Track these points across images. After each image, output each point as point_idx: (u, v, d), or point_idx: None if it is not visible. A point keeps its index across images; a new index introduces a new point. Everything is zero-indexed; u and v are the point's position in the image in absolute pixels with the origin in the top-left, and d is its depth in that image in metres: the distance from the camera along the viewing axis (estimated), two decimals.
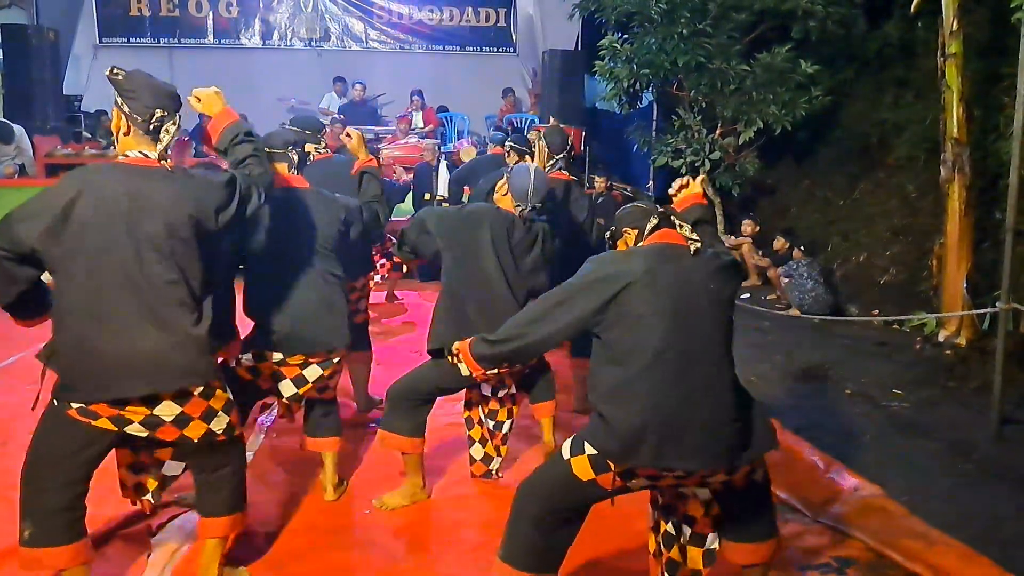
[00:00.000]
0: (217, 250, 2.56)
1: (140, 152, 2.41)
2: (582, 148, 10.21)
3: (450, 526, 3.32)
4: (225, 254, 2.95)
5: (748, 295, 7.71)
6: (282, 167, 3.26)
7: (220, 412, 2.50)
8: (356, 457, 3.90)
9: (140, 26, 11.93)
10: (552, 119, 4.27)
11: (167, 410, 2.38)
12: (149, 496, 2.73)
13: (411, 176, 8.81)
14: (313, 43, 12.34)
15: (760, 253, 7.91)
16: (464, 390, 3.53)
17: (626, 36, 8.31)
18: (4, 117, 9.35)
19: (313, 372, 3.23)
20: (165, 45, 11.96)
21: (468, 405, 3.64)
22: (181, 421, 2.42)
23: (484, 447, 3.62)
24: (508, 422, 3.63)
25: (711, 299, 2.32)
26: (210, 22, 12.12)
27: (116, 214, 2.28)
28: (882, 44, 8.03)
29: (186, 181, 2.42)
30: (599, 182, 9.27)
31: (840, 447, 3.97)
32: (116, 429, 2.36)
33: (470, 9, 12.41)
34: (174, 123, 2.45)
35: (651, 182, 9.96)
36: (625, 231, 2.53)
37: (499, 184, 3.48)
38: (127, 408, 2.33)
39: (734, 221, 8.72)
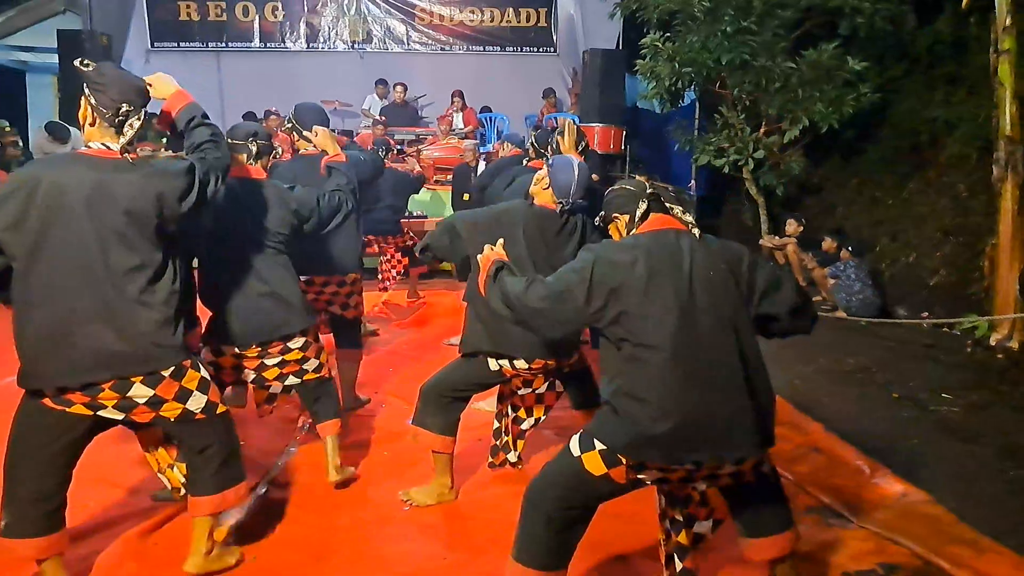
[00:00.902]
0: (182, 235, 2.61)
1: (103, 144, 2.47)
2: (622, 147, 10.17)
3: (476, 526, 3.31)
4: (194, 238, 3.06)
5: None
6: (240, 157, 3.29)
7: (195, 392, 2.56)
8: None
9: (189, 31, 12.18)
10: (561, 119, 4.20)
11: (139, 392, 2.45)
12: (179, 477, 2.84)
13: (423, 169, 8.89)
14: (356, 45, 12.46)
15: (809, 254, 7.79)
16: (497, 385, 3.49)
17: (668, 34, 8.25)
18: (59, 119, 9.60)
19: (272, 360, 3.29)
20: (213, 49, 12.18)
21: (501, 398, 3.60)
22: (154, 403, 2.49)
23: (505, 437, 3.58)
24: (529, 420, 3.58)
25: (719, 288, 2.26)
26: (256, 26, 12.32)
27: (76, 204, 2.34)
28: (932, 40, 7.86)
29: (146, 171, 2.46)
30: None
31: (886, 451, 3.89)
32: (91, 413, 2.44)
33: (511, 10, 12.43)
34: (139, 118, 2.50)
35: (693, 181, 9.86)
36: (615, 217, 2.49)
37: (539, 176, 3.37)
38: (100, 394, 2.40)
39: (778, 221, 8.62)
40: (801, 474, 3.67)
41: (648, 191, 2.40)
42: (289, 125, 4.15)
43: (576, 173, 3.25)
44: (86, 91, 2.48)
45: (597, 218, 2.59)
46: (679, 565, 2.39)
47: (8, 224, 2.32)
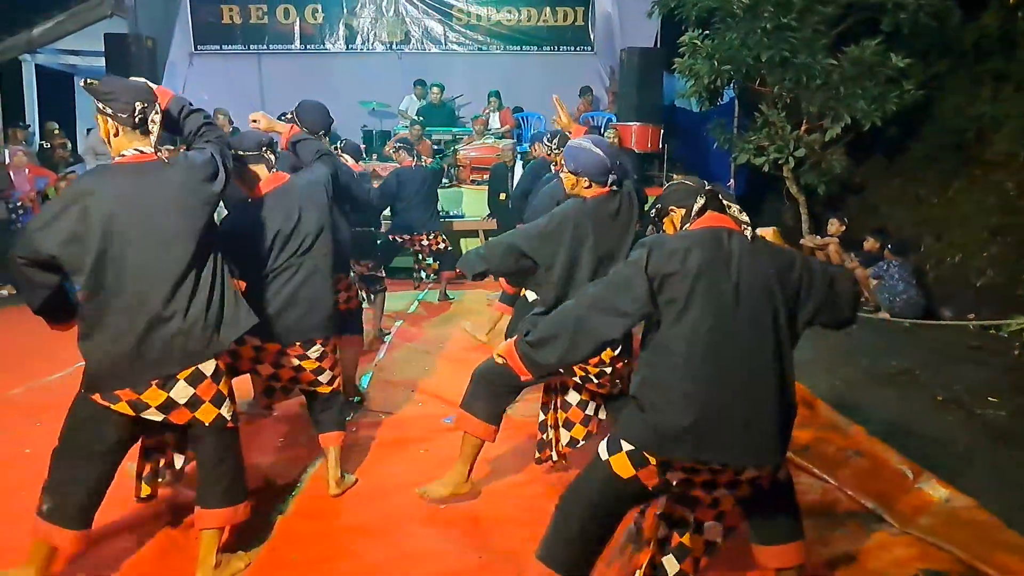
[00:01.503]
0: (214, 226, 2.67)
1: (135, 150, 2.54)
2: (660, 146, 10.10)
3: (511, 527, 3.31)
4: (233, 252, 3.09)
5: None
6: (260, 169, 3.30)
7: (227, 399, 2.69)
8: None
9: (231, 34, 12.36)
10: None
11: (182, 392, 2.56)
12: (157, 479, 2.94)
13: (460, 169, 8.91)
14: (394, 46, 12.55)
15: (851, 254, 7.67)
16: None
17: (706, 32, 8.17)
18: None
19: (290, 363, 3.33)
20: (254, 51, 12.35)
21: (548, 390, 3.55)
22: (193, 403, 2.60)
23: (553, 432, 3.52)
24: (582, 429, 3.47)
25: (764, 291, 2.24)
26: (296, 28, 12.46)
27: (130, 212, 2.43)
28: (979, 35, 7.68)
29: (183, 166, 2.55)
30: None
31: (930, 455, 3.82)
32: (133, 413, 2.53)
33: (548, 9, 12.42)
34: (156, 112, 2.56)
35: (732, 180, 9.76)
36: (671, 209, 2.49)
37: (566, 178, 3.28)
38: (145, 392, 2.51)
39: (820, 220, 8.49)
40: (842, 478, 3.61)
41: (707, 187, 2.39)
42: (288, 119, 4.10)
43: (594, 147, 3.16)
44: (99, 107, 2.55)
45: (652, 210, 2.59)
46: (676, 566, 2.39)
47: (64, 240, 2.40)
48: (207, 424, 2.65)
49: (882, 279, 6.82)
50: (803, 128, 8.11)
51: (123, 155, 2.54)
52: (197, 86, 11.94)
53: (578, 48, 12.50)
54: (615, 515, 2.35)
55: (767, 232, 2.53)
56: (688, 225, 2.38)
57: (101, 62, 10.45)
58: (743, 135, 8.59)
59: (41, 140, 10.75)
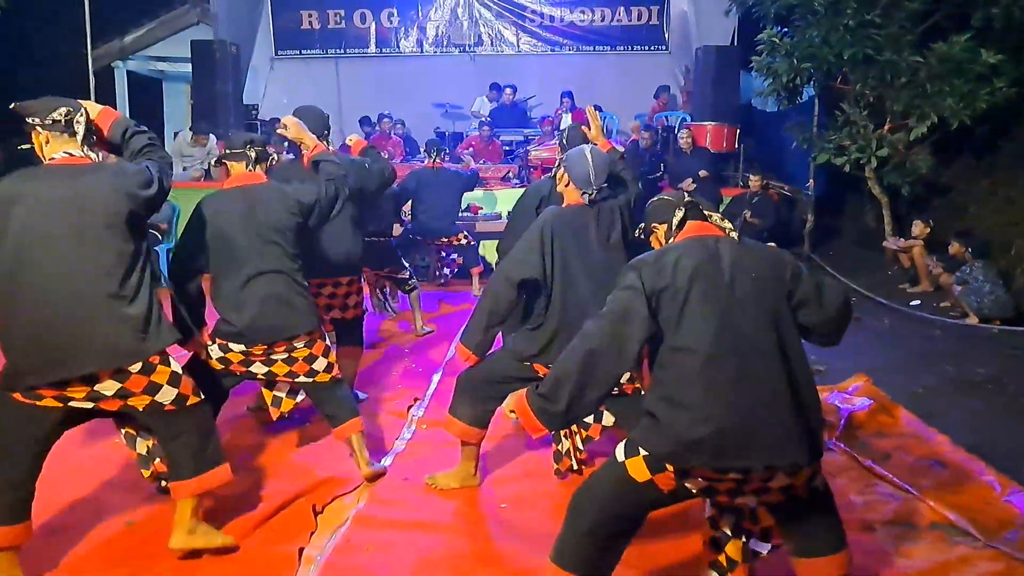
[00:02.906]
0: (143, 232, 2.71)
1: (65, 152, 2.62)
2: (735, 146, 9.94)
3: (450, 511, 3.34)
4: (199, 251, 3.22)
5: (919, 302, 7.26)
6: (239, 166, 3.39)
7: (165, 385, 2.70)
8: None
9: (310, 38, 12.67)
10: (590, 107, 4.02)
11: (108, 387, 2.60)
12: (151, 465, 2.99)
13: (533, 170, 8.96)
14: (467, 48, 12.66)
15: (934, 258, 7.40)
16: None
17: (786, 29, 8.01)
18: (191, 126, 10.19)
19: (279, 355, 3.37)
20: (332, 55, 12.63)
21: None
22: (122, 395, 2.64)
23: (565, 441, 3.47)
24: (596, 426, 3.44)
25: (760, 290, 2.20)
26: (372, 32, 12.69)
27: (53, 212, 2.50)
28: None
29: (111, 171, 2.61)
30: (754, 181, 9.00)
31: (1018, 467, 3.65)
32: (61, 405, 2.60)
33: (622, 9, 12.34)
34: (81, 114, 2.65)
35: (811, 180, 9.53)
36: (654, 227, 2.48)
37: (558, 175, 3.38)
38: (68, 388, 2.56)
39: (903, 222, 8.23)
40: (924, 488, 3.49)
41: (685, 200, 2.40)
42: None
43: (590, 160, 3.24)
44: (28, 122, 2.63)
45: (638, 230, 2.60)
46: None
47: None
48: (141, 410, 2.71)
49: (967, 283, 6.56)
50: (887, 127, 7.88)
51: (53, 158, 2.63)
52: (277, 90, 12.30)
53: (652, 48, 12.38)
54: (629, 518, 2.30)
55: None
56: (672, 239, 2.39)
57: (187, 67, 10.84)
58: (823, 134, 8.40)
59: None
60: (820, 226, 9.75)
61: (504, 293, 3.26)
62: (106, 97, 11.35)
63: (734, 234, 2.30)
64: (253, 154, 3.41)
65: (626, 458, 2.24)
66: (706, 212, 2.39)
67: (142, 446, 3.00)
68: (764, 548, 2.38)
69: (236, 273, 3.27)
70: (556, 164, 3.53)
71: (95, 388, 2.60)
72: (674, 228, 2.39)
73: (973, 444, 3.92)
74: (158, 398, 2.71)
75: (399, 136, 10.68)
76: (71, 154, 2.63)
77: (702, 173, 8.92)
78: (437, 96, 11.53)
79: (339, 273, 4.33)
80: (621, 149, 3.92)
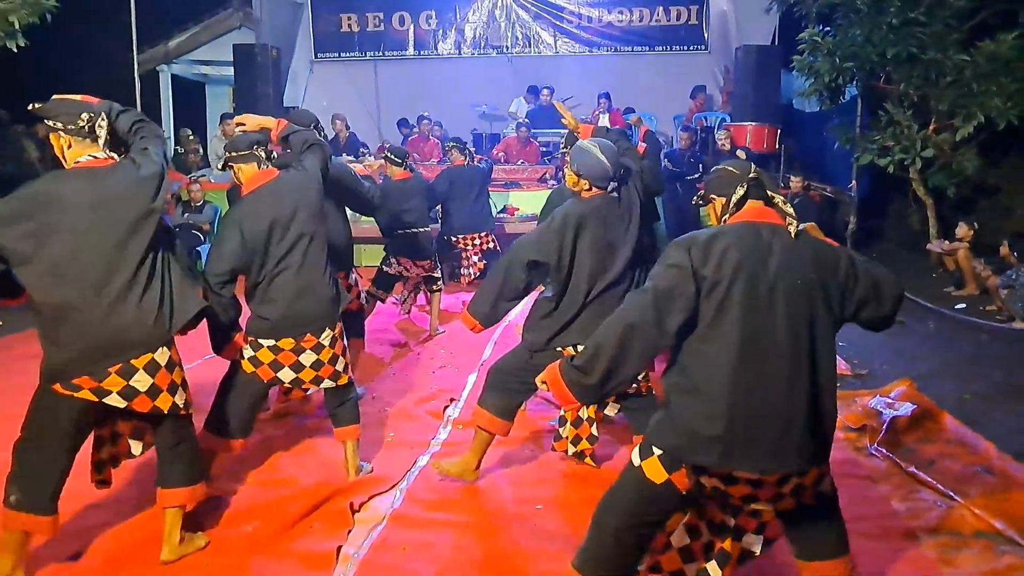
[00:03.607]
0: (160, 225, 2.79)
1: (89, 155, 2.70)
2: (776, 146, 9.82)
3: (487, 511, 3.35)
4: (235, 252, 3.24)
5: (964, 305, 7.11)
6: (251, 167, 3.40)
7: (180, 387, 2.84)
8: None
9: (349, 41, 12.80)
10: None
11: (141, 381, 2.71)
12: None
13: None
14: (504, 50, 12.69)
15: (981, 261, 7.24)
16: None
17: (828, 28, 7.91)
18: (223, 114, 10.36)
19: (308, 357, 3.40)
20: (371, 58, 12.74)
21: None
22: (153, 392, 2.74)
23: (576, 428, 3.55)
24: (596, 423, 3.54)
25: (801, 295, 2.13)
26: (411, 34, 12.77)
27: (85, 212, 2.59)
28: None
29: (132, 169, 2.71)
30: (795, 182, 8.88)
31: None
32: (97, 399, 2.68)
33: (660, 8, 12.26)
34: (103, 118, 2.71)
35: (853, 182, 9.39)
36: (712, 198, 2.38)
37: (568, 177, 3.41)
38: (106, 380, 2.65)
39: (948, 224, 8.07)
40: (970, 496, 3.42)
41: (750, 175, 2.27)
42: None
43: (601, 154, 3.25)
44: (49, 124, 2.70)
45: (696, 197, 2.54)
46: (718, 573, 2.32)
47: (21, 235, 2.54)
48: (165, 412, 2.80)
49: (1013, 288, 6.40)
50: (931, 127, 7.74)
51: (78, 162, 2.71)
52: (317, 92, 12.44)
53: (691, 47, 12.28)
54: (651, 523, 2.28)
55: (809, 226, 2.35)
56: (727, 217, 2.29)
57: (230, 71, 11.01)
58: (866, 135, 8.28)
59: (176, 145, 11.44)
60: (863, 228, 9.60)
61: (514, 271, 3.33)
62: (151, 100, 11.58)
63: (793, 226, 2.20)
64: (262, 153, 3.46)
65: (642, 460, 2.23)
66: (770, 193, 2.28)
67: (136, 447, 3.07)
68: (756, 543, 2.35)
69: (269, 269, 3.32)
70: (565, 168, 3.58)
71: (130, 383, 2.70)
72: (732, 206, 2.28)
73: (1020, 451, 3.83)
74: (177, 399, 2.83)
75: (436, 138, 10.74)
76: (95, 157, 2.73)
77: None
78: (474, 98, 11.58)
79: (343, 267, 4.40)
80: (595, 127, 3.96)
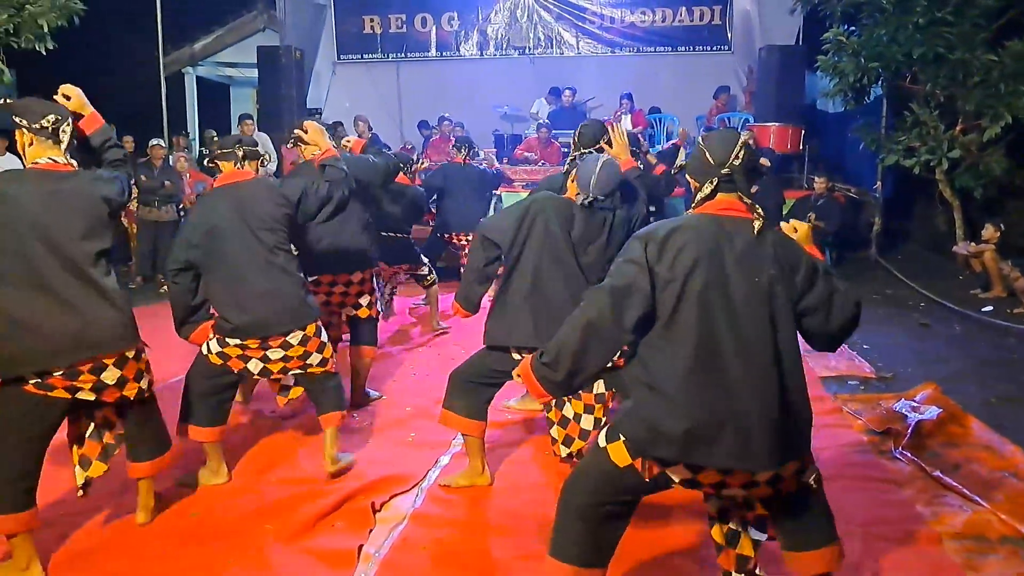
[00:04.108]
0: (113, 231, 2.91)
1: (49, 159, 2.78)
2: (800, 147, 9.75)
3: (507, 512, 3.35)
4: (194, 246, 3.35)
5: (991, 308, 7.01)
6: (229, 164, 3.49)
7: (145, 372, 2.98)
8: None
9: (372, 43, 12.87)
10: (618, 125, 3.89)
11: (110, 375, 2.83)
12: (87, 472, 3.07)
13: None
14: (526, 51, 12.69)
15: (1009, 263, 7.14)
16: None
17: (852, 28, 7.84)
18: (258, 129, 10.45)
19: (275, 354, 3.45)
20: (393, 59, 12.80)
21: None
22: (121, 383, 2.88)
23: (564, 429, 3.53)
24: (589, 417, 3.47)
25: (761, 292, 2.11)
26: (433, 36, 12.82)
27: (35, 210, 2.67)
28: None
29: (89, 177, 2.83)
30: (819, 183, 8.81)
31: None
32: (69, 397, 2.77)
33: (684, 9, 12.22)
34: (68, 124, 2.81)
35: (879, 182, 9.30)
36: (689, 178, 2.34)
37: (572, 172, 3.49)
38: (79, 377, 2.75)
39: (975, 226, 7.97)
40: (996, 501, 3.37)
41: (723, 171, 2.21)
42: (294, 138, 4.11)
43: (598, 170, 3.30)
44: (15, 121, 2.78)
45: (675, 168, 2.54)
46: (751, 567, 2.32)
47: None
48: (132, 398, 2.96)
49: None
50: (958, 128, 7.65)
51: (37, 163, 2.78)
52: (340, 93, 12.52)
53: (714, 48, 12.22)
54: (617, 503, 2.28)
55: (800, 227, 2.30)
56: (694, 207, 2.27)
57: (254, 73, 11.12)
58: (891, 135, 8.20)
59: (200, 147, 11.57)
60: (888, 229, 9.51)
61: (476, 250, 3.49)
62: (176, 101, 11.72)
63: (758, 222, 2.17)
64: (240, 152, 3.52)
65: (607, 443, 2.24)
66: (740, 191, 2.22)
67: (108, 437, 3.13)
68: (762, 536, 2.36)
69: (230, 270, 3.37)
70: (571, 160, 3.68)
71: (100, 378, 2.82)
72: (702, 197, 2.24)
73: None
74: (142, 384, 2.97)
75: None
76: (55, 160, 2.80)
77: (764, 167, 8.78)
78: (496, 99, 11.59)
79: (349, 270, 4.39)
80: (640, 168, 3.97)
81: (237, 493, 3.51)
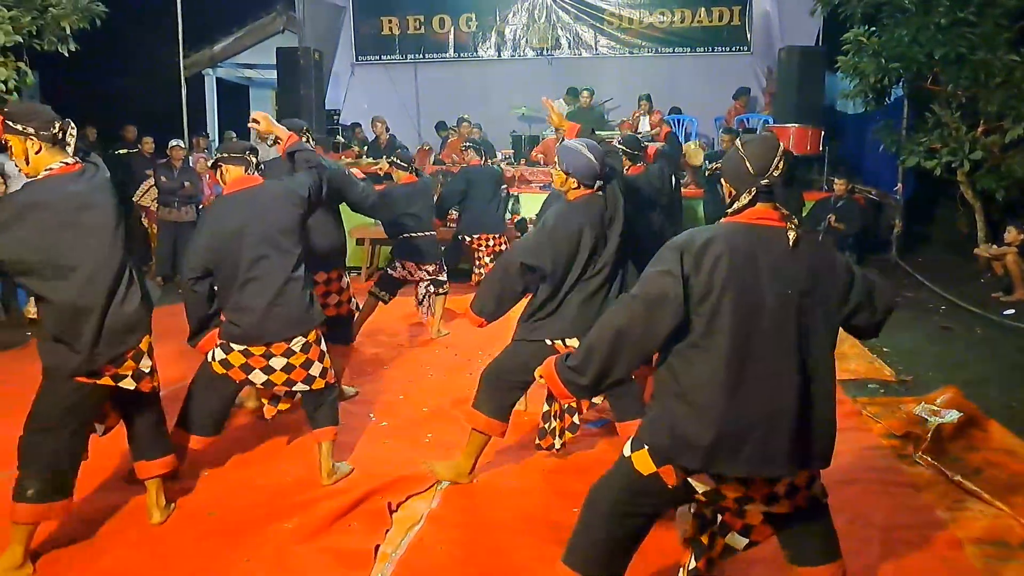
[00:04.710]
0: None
1: (62, 162, 2.79)
2: (819, 148, 9.68)
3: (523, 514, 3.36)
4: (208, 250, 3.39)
5: (1013, 311, 6.94)
6: (238, 170, 3.49)
7: (155, 371, 3.09)
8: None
9: (390, 44, 12.90)
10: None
11: (145, 364, 3.00)
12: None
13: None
14: (544, 52, 12.69)
15: None
16: None
17: (873, 29, 7.77)
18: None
19: (278, 363, 3.45)
20: (411, 61, 12.82)
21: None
22: (152, 371, 3.05)
23: (561, 422, 3.64)
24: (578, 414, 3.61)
25: (798, 301, 2.10)
26: (451, 37, 12.84)
27: (69, 215, 2.73)
28: None
29: (103, 175, 2.92)
30: (839, 184, 8.74)
31: None
32: (112, 384, 2.91)
33: (703, 9, 12.16)
34: (73, 128, 2.84)
35: (899, 184, 9.21)
36: (724, 181, 2.32)
37: (557, 178, 3.43)
38: (124, 364, 2.90)
39: (997, 228, 7.88)
40: (1017, 505, 3.34)
41: (763, 181, 2.17)
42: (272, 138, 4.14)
43: (588, 152, 3.28)
44: (19, 128, 2.75)
45: (708, 169, 2.53)
46: (691, 563, 2.35)
47: (16, 243, 2.67)
48: (147, 392, 3.08)
49: None
50: (980, 129, 7.57)
51: (51, 168, 2.77)
52: (358, 94, 12.57)
53: (734, 48, 12.15)
54: (640, 515, 2.28)
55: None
56: (729, 215, 2.24)
57: (273, 74, 11.16)
58: (912, 137, 8.12)
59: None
60: (909, 232, 9.42)
61: (510, 275, 3.38)
62: (197, 102, 11.81)
63: (792, 232, 2.14)
64: (253, 159, 3.54)
65: (632, 452, 2.25)
66: (776, 202, 2.19)
67: (99, 429, 3.19)
68: (740, 543, 2.37)
69: (242, 275, 3.37)
70: (552, 169, 3.61)
71: (139, 366, 2.97)
72: (738, 206, 2.21)
73: None
74: (155, 381, 3.10)
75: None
76: (67, 163, 2.82)
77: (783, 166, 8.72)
78: (514, 100, 11.59)
79: (321, 267, 4.40)
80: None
81: (254, 493, 3.53)
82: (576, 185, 3.37)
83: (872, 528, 3.17)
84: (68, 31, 7.36)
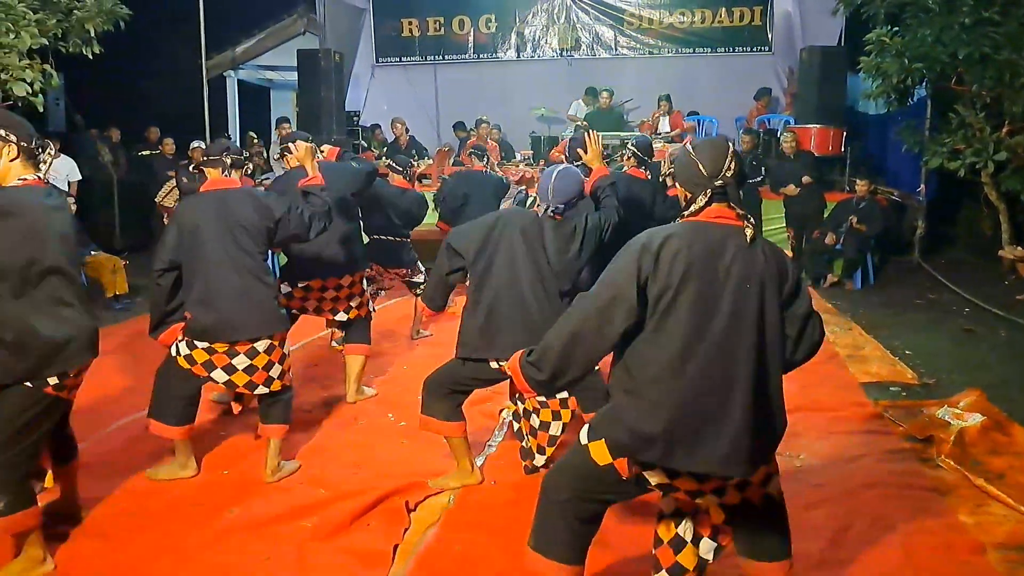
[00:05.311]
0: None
1: (36, 175, 2.77)
2: (841, 149, 9.61)
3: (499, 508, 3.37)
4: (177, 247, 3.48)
5: None
6: (216, 171, 3.58)
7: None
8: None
9: (410, 46, 12.94)
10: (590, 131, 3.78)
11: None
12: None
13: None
14: (564, 53, 12.67)
15: None
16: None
17: (896, 29, 7.70)
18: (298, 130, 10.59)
19: (241, 361, 3.51)
20: (431, 62, 12.85)
21: (513, 399, 3.74)
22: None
23: (535, 439, 3.64)
24: (557, 424, 3.59)
25: (754, 298, 2.12)
26: (471, 39, 12.86)
27: (40, 225, 2.69)
28: None
29: (61, 194, 2.94)
30: (861, 185, 8.66)
31: None
32: (71, 399, 2.90)
33: (723, 10, 12.10)
34: (51, 147, 2.85)
35: (922, 185, 9.13)
36: (679, 185, 2.33)
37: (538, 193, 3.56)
38: (79, 376, 2.87)
39: (1021, 230, 7.80)
40: None
41: (717, 182, 2.19)
42: (281, 148, 4.27)
43: (553, 180, 3.39)
44: (3, 135, 2.71)
45: (664, 172, 2.55)
46: None
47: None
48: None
49: None
50: (1005, 130, 7.47)
51: (25, 179, 2.73)
52: (378, 96, 12.62)
53: (755, 49, 12.08)
54: (597, 500, 2.32)
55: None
56: (685, 216, 2.25)
57: (294, 76, 11.24)
58: (936, 137, 8.04)
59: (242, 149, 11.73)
60: (932, 233, 9.33)
61: (441, 258, 3.49)
62: (218, 104, 11.91)
63: (750, 230, 2.17)
64: (228, 160, 3.61)
65: (589, 441, 2.26)
66: (731, 202, 2.21)
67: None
68: (709, 550, 2.38)
69: (206, 271, 3.45)
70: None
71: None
72: (694, 208, 2.23)
73: None
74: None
75: (495, 141, 10.78)
76: (39, 178, 2.80)
77: (805, 179, 8.69)
78: (534, 100, 11.58)
79: (340, 274, 4.49)
80: (613, 179, 3.88)
81: (273, 491, 3.56)
82: (536, 202, 3.54)
83: (893, 532, 3.14)
84: (92, 33, 7.44)
